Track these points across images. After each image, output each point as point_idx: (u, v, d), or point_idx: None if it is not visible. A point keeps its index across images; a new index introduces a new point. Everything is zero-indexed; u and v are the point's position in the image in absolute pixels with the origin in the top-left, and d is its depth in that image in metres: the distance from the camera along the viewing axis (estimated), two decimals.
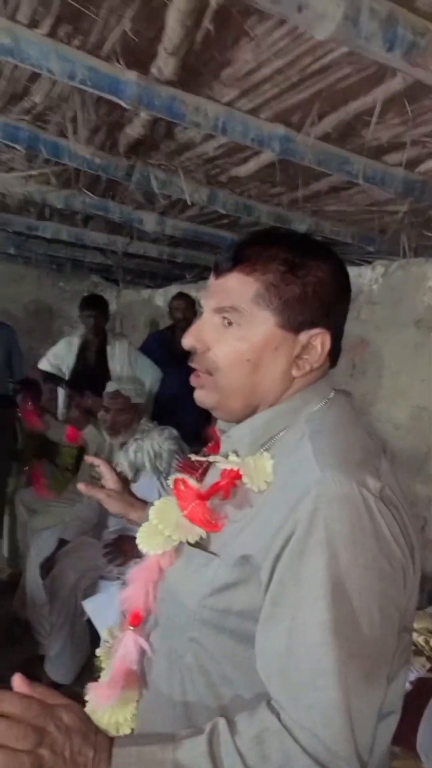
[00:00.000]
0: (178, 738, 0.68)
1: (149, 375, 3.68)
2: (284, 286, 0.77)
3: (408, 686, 1.91)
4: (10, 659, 2.58)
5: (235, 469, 0.78)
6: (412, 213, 2.14)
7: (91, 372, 3.71)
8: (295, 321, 0.78)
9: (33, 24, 1.27)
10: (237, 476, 0.77)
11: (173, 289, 4.94)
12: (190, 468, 0.91)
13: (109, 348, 3.71)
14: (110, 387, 2.76)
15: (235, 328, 0.79)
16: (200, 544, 0.79)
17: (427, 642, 2.21)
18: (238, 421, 0.84)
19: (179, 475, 0.87)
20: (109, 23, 1.25)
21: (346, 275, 0.83)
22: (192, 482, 0.84)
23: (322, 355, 0.79)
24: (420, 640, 2.21)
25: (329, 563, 0.66)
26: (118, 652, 0.85)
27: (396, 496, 0.72)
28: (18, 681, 0.68)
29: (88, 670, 2.30)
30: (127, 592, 0.86)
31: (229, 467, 0.78)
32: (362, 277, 3.21)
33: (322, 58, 1.22)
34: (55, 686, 2.44)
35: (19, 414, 3.37)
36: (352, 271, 3.25)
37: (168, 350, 3.90)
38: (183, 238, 3.08)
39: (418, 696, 1.82)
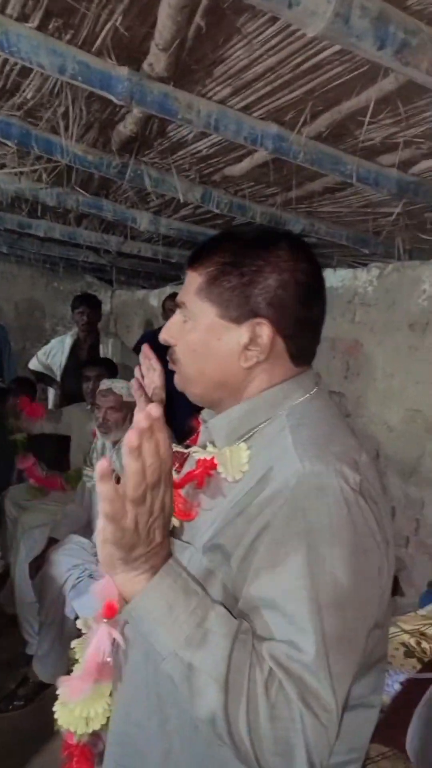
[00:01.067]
0: (214, 606, 0.70)
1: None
2: (223, 278, 0.79)
3: (398, 687, 1.90)
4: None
5: (209, 458, 0.79)
6: (407, 215, 2.13)
7: (83, 370, 3.69)
8: (235, 312, 0.79)
9: (23, 17, 1.25)
10: (211, 466, 0.79)
11: (168, 290, 4.93)
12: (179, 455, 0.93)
13: (101, 347, 3.69)
14: (103, 385, 2.74)
15: (189, 323, 0.83)
16: (174, 533, 0.81)
17: (418, 643, 2.20)
18: (215, 408, 0.87)
19: None
20: (100, 18, 1.23)
21: (305, 269, 0.80)
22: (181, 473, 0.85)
23: (266, 346, 0.79)
24: (411, 641, 2.20)
25: (308, 554, 0.66)
26: (91, 644, 0.85)
27: (374, 491, 0.73)
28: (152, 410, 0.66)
29: None
30: (101, 583, 0.85)
31: (203, 457, 0.80)
32: (357, 278, 3.21)
33: (315, 56, 1.21)
34: (42, 686, 2.43)
35: (18, 408, 3.34)
36: (347, 273, 3.25)
37: (161, 349, 3.87)
38: (177, 238, 3.07)
39: (408, 697, 1.82)
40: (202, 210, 2.52)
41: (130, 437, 0.63)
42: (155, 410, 0.65)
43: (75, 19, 1.25)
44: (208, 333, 0.81)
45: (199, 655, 0.65)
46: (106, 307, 6.19)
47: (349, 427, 0.83)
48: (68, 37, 1.30)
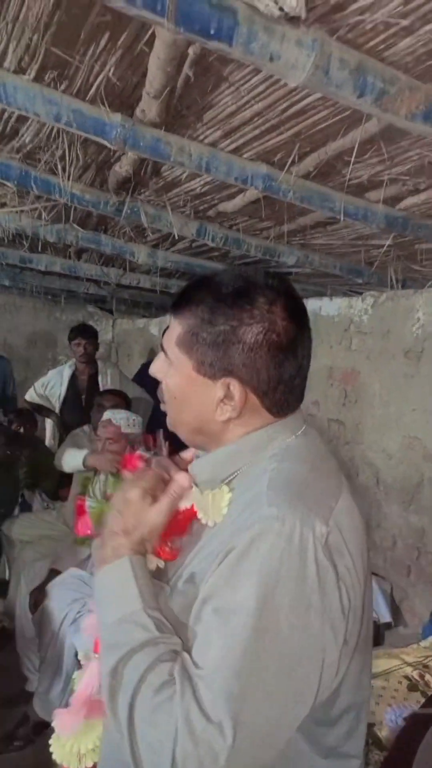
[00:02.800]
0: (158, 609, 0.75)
1: (141, 404, 3.69)
2: (199, 334, 0.79)
3: (401, 722, 1.87)
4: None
5: (190, 506, 0.81)
6: (398, 247, 2.18)
7: (81, 401, 3.72)
8: (209, 369, 0.79)
9: (19, 70, 1.31)
10: (192, 516, 0.81)
11: (168, 319, 4.98)
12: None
13: (100, 376, 3.72)
14: (105, 416, 2.76)
15: (172, 367, 0.84)
16: (157, 574, 0.82)
17: (421, 676, 2.17)
18: (201, 449, 0.89)
19: None
20: (93, 69, 1.29)
21: (281, 328, 0.78)
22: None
23: (238, 403, 0.79)
24: (414, 674, 2.17)
25: (253, 593, 0.66)
26: (82, 680, 0.85)
27: (344, 542, 0.72)
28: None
29: None
30: (92, 618, 0.87)
31: (185, 506, 0.82)
32: (352, 307, 3.25)
33: (300, 102, 1.26)
34: (43, 724, 2.39)
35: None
36: (342, 302, 3.29)
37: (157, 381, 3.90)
38: (175, 270, 3.12)
39: (411, 732, 1.78)
40: (199, 243, 2.57)
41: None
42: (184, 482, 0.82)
43: (69, 71, 1.30)
44: (185, 383, 0.82)
45: (120, 635, 0.71)
46: (107, 336, 6.25)
47: (333, 468, 0.83)
48: (63, 87, 1.36)
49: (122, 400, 3.12)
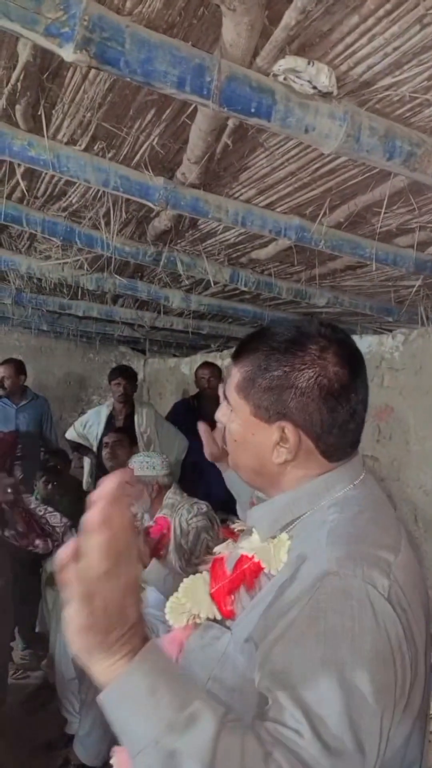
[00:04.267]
0: (196, 689, 0.67)
1: (175, 443, 3.74)
2: (255, 380, 0.84)
3: None
4: (36, 737, 2.53)
5: (257, 560, 0.82)
6: (427, 286, 2.23)
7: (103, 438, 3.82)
8: (265, 413, 0.83)
9: (72, 142, 1.44)
10: (259, 570, 0.82)
11: (199, 358, 5.09)
12: (230, 534, 0.99)
13: (136, 416, 3.80)
14: (133, 459, 2.79)
15: (232, 414, 0.89)
16: (216, 618, 0.84)
17: None
18: (261, 491, 0.92)
19: (218, 548, 0.93)
20: (139, 139, 1.40)
21: (332, 373, 0.81)
22: (226, 565, 0.88)
23: (293, 446, 0.82)
24: None
25: (325, 655, 0.66)
26: None
27: (405, 595, 0.71)
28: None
29: None
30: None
31: (250, 554, 0.84)
32: (383, 345, 3.29)
33: (331, 163, 1.35)
34: None
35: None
36: (373, 340, 3.33)
37: (194, 417, 3.95)
38: (207, 312, 3.22)
39: None
40: (231, 287, 2.66)
41: (93, 508, 0.62)
42: (119, 478, 0.65)
43: (117, 141, 1.42)
44: (245, 427, 0.86)
45: (183, 741, 0.60)
46: (139, 376, 6.39)
47: (391, 518, 0.84)
48: (110, 155, 1.48)
49: (125, 437, 3.24)
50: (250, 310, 3.08)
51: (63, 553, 0.63)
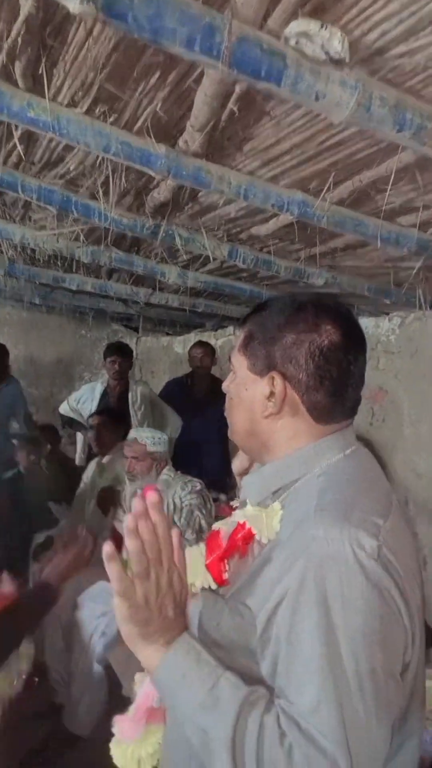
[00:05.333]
0: (225, 673, 0.74)
1: (169, 422, 3.74)
2: (255, 335, 0.89)
3: None
4: (23, 707, 2.55)
5: (248, 526, 0.84)
6: (426, 269, 2.21)
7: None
8: (259, 365, 0.87)
9: (72, 104, 1.39)
10: (251, 537, 0.83)
11: (192, 337, 5.06)
12: (230, 511, 0.99)
13: (130, 394, 3.78)
14: (130, 435, 2.82)
15: (233, 374, 0.93)
16: (212, 587, 0.86)
17: None
18: (256, 460, 0.96)
19: (218, 524, 0.94)
20: (142, 103, 1.37)
21: (324, 330, 0.84)
22: (222, 538, 0.89)
23: (279, 397, 0.84)
24: None
25: (319, 623, 0.68)
26: (142, 689, 0.88)
27: (396, 557, 0.72)
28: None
29: (106, 721, 2.27)
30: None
31: (243, 520, 0.85)
32: (379, 327, 3.28)
33: (338, 135, 1.32)
34: (73, 738, 2.41)
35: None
36: (369, 322, 3.32)
37: (187, 396, 3.97)
38: (204, 289, 3.19)
39: None
40: (229, 264, 2.63)
41: (128, 520, 0.75)
42: (152, 497, 0.78)
43: (119, 105, 1.38)
44: (240, 383, 0.90)
45: (210, 719, 0.70)
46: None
47: (382, 489, 0.85)
48: (112, 119, 1.44)
49: (108, 419, 3.27)
50: (247, 288, 3.05)
51: (108, 548, 0.75)
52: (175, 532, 0.81)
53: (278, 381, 0.84)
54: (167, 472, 2.70)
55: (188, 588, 0.82)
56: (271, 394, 0.85)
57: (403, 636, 0.72)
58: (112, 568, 0.74)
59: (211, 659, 0.75)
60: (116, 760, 0.89)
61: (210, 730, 0.70)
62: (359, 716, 0.66)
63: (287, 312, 0.87)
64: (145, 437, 2.73)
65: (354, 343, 0.86)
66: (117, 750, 0.89)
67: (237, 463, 1.33)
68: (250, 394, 0.88)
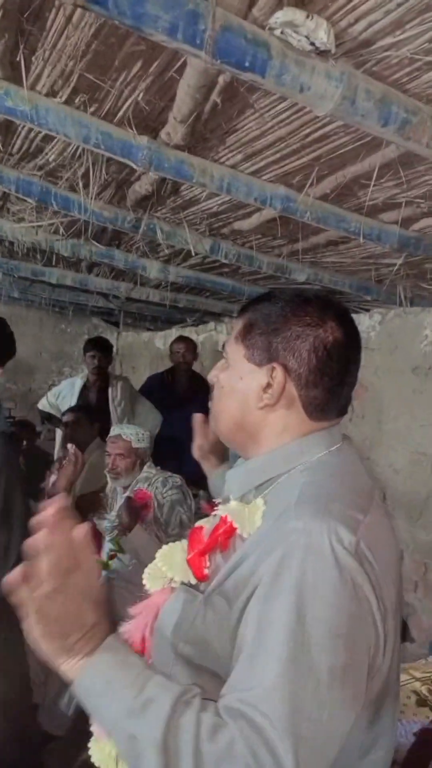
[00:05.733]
0: (153, 676, 0.70)
1: (149, 418, 3.71)
2: (255, 326, 0.87)
3: (411, 737, 1.87)
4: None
5: (230, 520, 0.83)
6: (407, 266, 2.22)
7: (91, 412, 3.74)
8: (258, 355, 0.86)
9: (51, 93, 1.36)
10: (232, 531, 0.83)
11: (173, 332, 5.03)
12: (210, 508, 0.99)
13: (110, 389, 3.75)
14: (113, 431, 2.79)
15: (226, 363, 0.92)
16: (192, 583, 0.85)
17: (430, 692, 2.17)
18: (240, 453, 0.93)
19: (201, 522, 0.93)
20: (123, 93, 1.34)
21: (329, 327, 0.84)
22: (204, 534, 0.88)
23: (278, 388, 0.84)
24: (423, 689, 2.17)
25: (290, 610, 0.67)
26: None
27: (373, 553, 0.72)
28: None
29: (83, 720, 2.25)
30: (127, 626, 0.90)
31: (225, 514, 0.84)
32: (360, 324, 3.29)
33: (322, 128, 1.31)
34: (49, 737, 2.38)
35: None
36: None
37: (168, 392, 3.94)
38: (185, 284, 3.17)
39: (422, 748, 1.79)
40: (211, 259, 2.61)
41: (38, 537, 0.70)
42: (58, 504, 0.74)
43: (100, 94, 1.35)
44: (234, 372, 0.89)
45: (138, 724, 0.66)
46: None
47: (364, 485, 0.84)
48: (92, 109, 1.41)
49: (83, 416, 3.26)
50: (229, 283, 3.04)
51: (11, 578, 0.69)
52: (79, 528, 0.75)
53: (279, 372, 0.84)
54: (148, 469, 2.68)
55: (98, 582, 0.76)
56: (268, 385, 0.84)
57: (373, 636, 0.71)
58: (22, 593, 0.69)
59: (139, 661, 0.72)
60: (94, 758, 0.88)
61: (138, 734, 0.65)
62: (312, 709, 0.64)
63: (293, 304, 0.86)
64: (130, 434, 2.70)
65: (354, 342, 0.88)
66: (95, 748, 0.88)
67: (197, 444, 1.33)
68: (244, 384, 0.87)
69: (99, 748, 0.87)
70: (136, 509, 2.41)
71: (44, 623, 0.70)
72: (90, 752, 0.88)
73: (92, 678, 0.70)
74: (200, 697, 0.68)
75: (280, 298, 0.88)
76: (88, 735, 0.91)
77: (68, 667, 0.71)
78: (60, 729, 2.36)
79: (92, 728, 0.88)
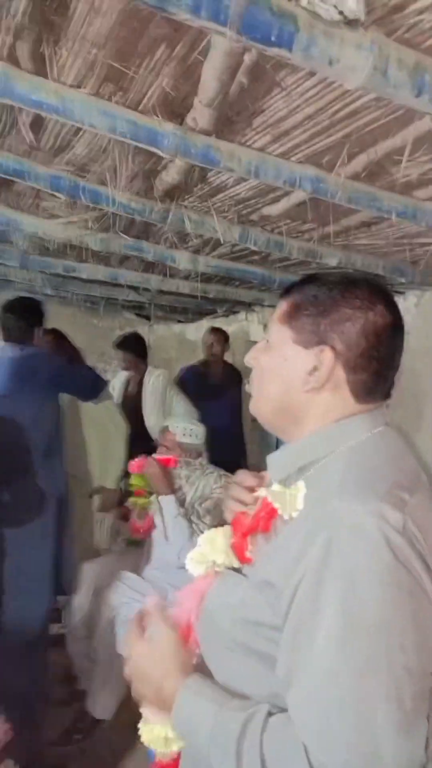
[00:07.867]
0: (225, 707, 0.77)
1: (177, 412, 3.73)
2: (302, 308, 0.86)
3: None
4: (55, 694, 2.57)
5: (271, 502, 0.82)
6: None
7: (128, 405, 3.83)
8: (306, 338, 0.84)
9: (78, 84, 1.36)
10: (274, 514, 0.82)
11: (205, 323, 5.02)
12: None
13: (145, 382, 3.80)
14: (164, 423, 2.82)
15: (268, 345, 0.90)
16: (235, 567, 0.85)
17: None
18: (282, 437, 0.91)
19: (245, 508, 0.92)
20: (148, 80, 1.33)
21: (378, 311, 0.83)
22: (248, 518, 0.87)
23: (326, 371, 0.82)
24: None
25: (344, 596, 0.66)
26: None
27: (421, 535, 0.71)
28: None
29: (127, 705, 2.29)
30: (173, 613, 0.91)
31: (266, 496, 0.84)
32: None
33: (352, 104, 1.27)
34: (95, 722, 2.44)
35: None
36: None
37: (202, 384, 3.94)
38: (215, 275, 3.15)
39: None
40: (240, 248, 2.59)
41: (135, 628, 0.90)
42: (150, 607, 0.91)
43: (124, 82, 1.34)
44: (279, 354, 0.87)
45: (214, 750, 0.73)
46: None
47: (410, 466, 0.82)
48: (117, 98, 1.40)
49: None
50: (259, 272, 3.01)
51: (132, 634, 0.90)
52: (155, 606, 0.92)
53: (328, 355, 0.82)
54: (201, 462, 2.71)
55: (190, 647, 0.88)
56: (315, 368, 0.83)
57: (431, 616, 0.69)
58: (131, 646, 0.90)
59: (215, 695, 0.79)
60: (144, 739, 0.90)
61: (215, 757, 0.73)
62: (373, 705, 0.64)
63: (342, 287, 0.85)
64: (176, 426, 2.69)
65: (401, 326, 0.87)
66: (145, 729, 0.90)
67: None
68: (289, 367, 0.85)
69: (148, 730, 0.89)
70: (167, 473, 2.54)
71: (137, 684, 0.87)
72: (140, 733, 0.90)
73: (181, 722, 0.81)
74: (262, 716, 0.72)
75: (327, 280, 0.87)
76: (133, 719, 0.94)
77: (166, 708, 0.82)
78: (105, 714, 2.42)
79: (141, 709, 0.90)
